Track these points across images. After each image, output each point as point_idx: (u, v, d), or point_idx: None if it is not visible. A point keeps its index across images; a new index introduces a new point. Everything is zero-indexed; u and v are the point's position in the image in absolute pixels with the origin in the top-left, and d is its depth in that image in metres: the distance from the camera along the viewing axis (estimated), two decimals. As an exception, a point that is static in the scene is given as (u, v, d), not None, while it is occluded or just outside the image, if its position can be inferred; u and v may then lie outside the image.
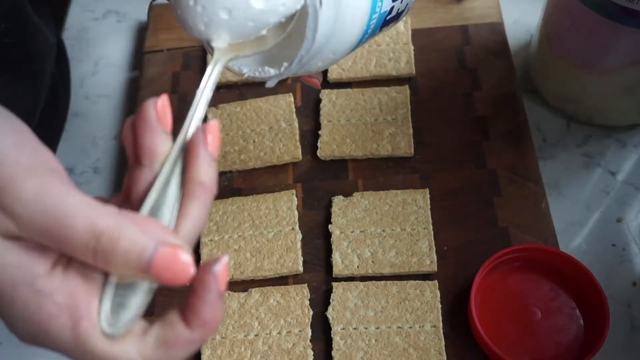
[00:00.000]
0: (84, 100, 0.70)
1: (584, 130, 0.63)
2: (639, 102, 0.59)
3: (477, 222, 0.56)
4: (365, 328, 0.52)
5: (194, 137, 0.31)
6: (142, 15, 0.75)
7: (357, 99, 0.63)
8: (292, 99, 0.64)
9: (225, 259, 0.30)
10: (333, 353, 0.51)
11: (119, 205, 0.30)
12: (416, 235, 0.55)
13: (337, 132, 0.61)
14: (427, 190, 0.58)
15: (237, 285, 0.55)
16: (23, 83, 0.58)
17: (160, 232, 0.29)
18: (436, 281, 0.53)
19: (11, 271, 0.29)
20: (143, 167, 0.31)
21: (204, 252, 0.56)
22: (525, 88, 0.65)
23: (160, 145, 0.31)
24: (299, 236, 0.56)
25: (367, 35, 0.42)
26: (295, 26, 0.39)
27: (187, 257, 0.29)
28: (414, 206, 0.57)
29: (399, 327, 0.51)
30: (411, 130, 0.61)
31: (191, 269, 0.29)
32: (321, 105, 0.63)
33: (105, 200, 0.32)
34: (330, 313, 0.53)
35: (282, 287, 0.54)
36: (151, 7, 0.73)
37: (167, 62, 0.69)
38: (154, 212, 0.30)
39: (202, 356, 0.51)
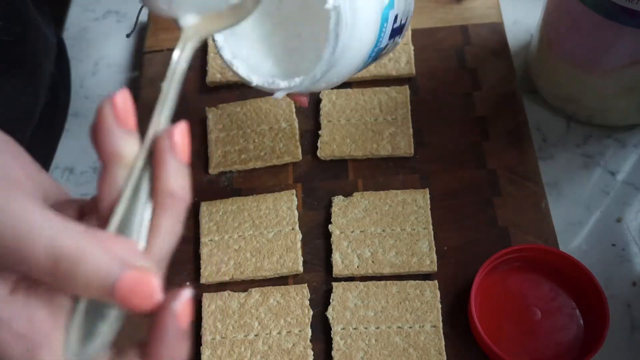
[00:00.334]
0: (84, 100, 0.70)
1: (584, 130, 0.63)
2: (639, 102, 0.59)
3: (477, 222, 0.57)
4: (365, 328, 0.52)
5: (160, 142, 0.29)
6: (142, 15, 0.75)
7: (357, 99, 0.63)
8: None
9: (186, 294, 0.27)
10: (333, 353, 0.51)
11: (94, 210, 0.28)
12: (416, 235, 0.55)
13: (337, 132, 0.61)
14: (427, 190, 0.58)
15: (237, 285, 0.55)
16: (22, 82, 0.58)
17: (127, 252, 0.27)
18: (436, 281, 0.53)
19: None
20: (110, 172, 0.28)
21: (204, 252, 0.56)
22: (525, 88, 0.65)
23: (124, 148, 0.28)
24: (299, 236, 0.56)
25: (375, 51, 0.42)
26: (303, 40, 0.38)
27: (154, 282, 0.26)
28: (414, 206, 0.57)
29: (399, 327, 0.51)
30: (411, 130, 0.61)
31: (157, 295, 0.27)
32: (321, 105, 0.63)
33: (82, 204, 0.30)
34: (330, 313, 0.53)
35: (282, 287, 0.54)
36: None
37: (167, 62, 0.68)
38: (122, 227, 0.28)
39: (202, 356, 0.51)
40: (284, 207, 0.58)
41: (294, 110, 0.63)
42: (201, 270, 0.55)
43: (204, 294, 0.54)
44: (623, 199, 0.59)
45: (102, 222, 0.28)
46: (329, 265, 0.55)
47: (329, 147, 0.61)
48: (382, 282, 0.53)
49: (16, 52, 0.56)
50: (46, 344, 0.27)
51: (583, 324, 0.51)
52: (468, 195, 0.58)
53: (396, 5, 0.43)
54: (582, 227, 0.58)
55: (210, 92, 0.66)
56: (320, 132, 0.62)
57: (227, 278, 0.55)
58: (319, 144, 0.61)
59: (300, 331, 0.52)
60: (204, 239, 0.57)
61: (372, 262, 0.54)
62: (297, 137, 0.62)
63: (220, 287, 0.55)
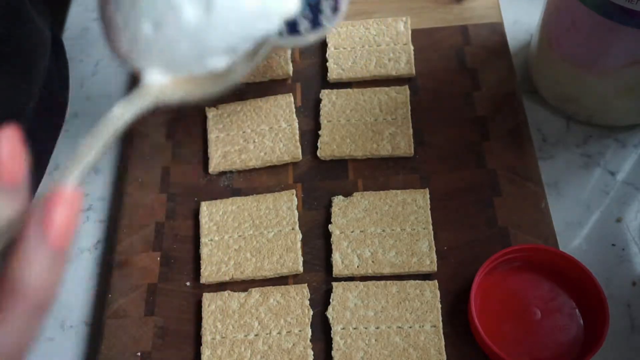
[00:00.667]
0: (84, 100, 0.70)
1: (584, 130, 0.63)
2: (639, 102, 0.59)
3: (477, 222, 0.57)
4: (365, 328, 0.52)
5: (31, 216, 0.21)
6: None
7: (357, 99, 0.63)
8: (292, 99, 0.64)
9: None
10: (333, 353, 0.51)
11: None
12: (416, 235, 0.55)
13: (337, 132, 0.62)
14: (427, 190, 0.58)
15: (237, 285, 0.55)
16: (14, 77, 0.56)
17: None
18: (436, 281, 0.53)
19: None
20: None
21: (204, 252, 0.56)
22: (525, 88, 0.65)
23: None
24: (299, 236, 0.56)
25: None
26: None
27: None
28: (414, 206, 0.57)
29: (399, 327, 0.51)
30: (411, 130, 0.61)
31: None
32: (321, 105, 0.63)
33: None
34: (330, 313, 0.53)
35: (282, 287, 0.54)
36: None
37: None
38: None
39: (202, 356, 0.51)
40: (284, 207, 0.58)
41: (294, 110, 0.63)
42: (201, 270, 0.55)
43: (204, 294, 0.54)
44: (623, 199, 0.59)
45: None
46: (329, 265, 0.55)
47: (329, 147, 0.61)
48: (382, 282, 0.53)
49: (6, 47, 0.54)
50: None
51: (583, 324, 0.51)
52: (468, 195, 0.58)
53: None
54: (582, 227, 0.58)
55: (210, 92, 0.66)
56: (320, 132, 0.62)
57: (227, 278, 0.55)
58: (319, 144, 0.61)
59: (300, 331, 0.52)
60: (204, 239, 0.57)
61: (372, 262, 0.54)
62: (297, 137, 0.62)
63: (220, 287, 0.55)
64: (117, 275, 0.56)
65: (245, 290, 0.54)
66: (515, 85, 0.64)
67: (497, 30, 0.68)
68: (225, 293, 0.54)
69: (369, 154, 0.60)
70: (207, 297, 0.54)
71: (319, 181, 0.60)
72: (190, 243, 0.58)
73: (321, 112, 0.63)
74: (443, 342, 0.50)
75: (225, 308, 0.53)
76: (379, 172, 0.60)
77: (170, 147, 0.62)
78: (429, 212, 0.56)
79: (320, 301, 0.54)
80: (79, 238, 0.60)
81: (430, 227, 0.56)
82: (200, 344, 0.52)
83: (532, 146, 0.60)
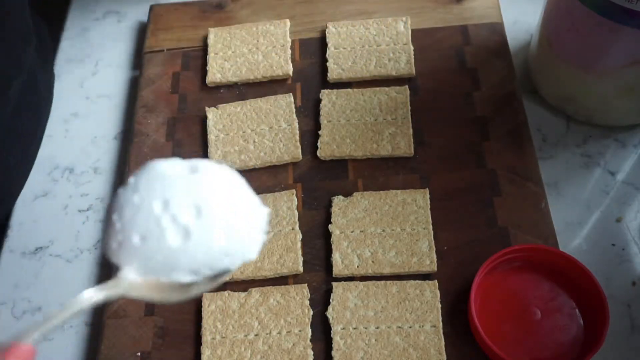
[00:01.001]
0: (84, 100, 0.70)
1: (584, 130, 0.63)
2: (639, 102, 0.59)
3: (477, 222, 0.57)
4: (365, 328, 0.52)
5: None
6: (142, 16, 0.75)
7: (357, 99, 0.63)
8: (292, 99, 0.64)
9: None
10: (333, 353, 0.51)
11: None
12: (416, 235, 0.55)
13: (337, 132, 0.62)
14: (427, 190, 0.58)
15: (237, 285, 0.55)
16: None
17: None
18: (436, 281, 0.53)
19: None
20: None
21: (204, 252, 0.56)
22: (525, 88, 0.65)
23: None
24: (299, 236, 0.56)
25: None
26: None
27: None
28: (413, 206, 0.57)
29: (399, 327, 0.51)
30: (411, 130, 0.61)
31: None
32: (321, 105, 0.63)
33: None
34: (330, 313, 0.53)
35: (282, 287, 0.54)
36: (151, 8, 0.73)
37: (167, 62, 0.69)
38: None
39: (202, 356, 0.51)
40: (284, 207, 0.58)
41: (294, 110, 0.63)
42: (201, 270, 0.55)
43: (204, 294, 0.54)
44: (623, 199, 0.59)
45: None
46: (329, 265, 0.55)
47: (329, 147, 0.61)
48: (382, 282, 0.54)
49: None
50: None
51: (583, 324, 0.51)
52: (468, 195, 0.58)
53: None
54: (581, 227, 0.58)
55: (210, 92, 0.66)
56: (320, 132, 0.62)
57: (227, 278, 0.55)
58: (319, 144, 0.61)
59: (300, 331, 0.52)
60: (204, 239, 0.57)
61: (372, 262, 0.54)
62: (297, 137, 0.62)
63: (220, 287, 0.55)
64: (117, 275, 0.56)
65: (245, 290, 0.54)
66: (515, 85, 0.64)
67: (497, 30, 0.68)
68: (225, 293, 0.54)
69: (369, 154, 0.60)
70: (207, 297, 0.54)
71: (319, 181, 0.60)
72: (190, 243, 0.58)
73: (321, 112, 0.63)
74: (443, 342, 0.51)
75: (225, 308, 0.53)
76: (379, 172, 0.60)
77: (170, 147, 0.62)
78: (429, 212, 0.56)
79: (320, 301, 0.54)
80: (79, 238, 0.60)
81: (430, 227, 0.56)
82: (200, 344, 0.52)
83: (532, 146, 0.60)
